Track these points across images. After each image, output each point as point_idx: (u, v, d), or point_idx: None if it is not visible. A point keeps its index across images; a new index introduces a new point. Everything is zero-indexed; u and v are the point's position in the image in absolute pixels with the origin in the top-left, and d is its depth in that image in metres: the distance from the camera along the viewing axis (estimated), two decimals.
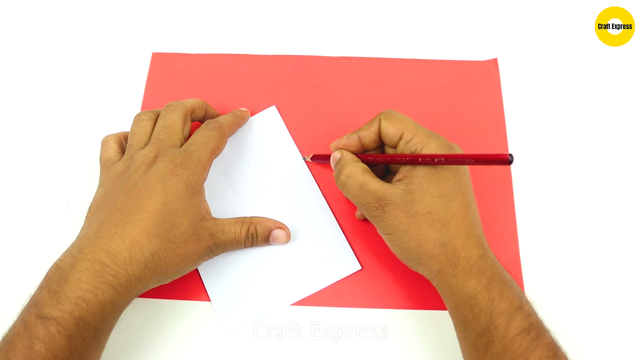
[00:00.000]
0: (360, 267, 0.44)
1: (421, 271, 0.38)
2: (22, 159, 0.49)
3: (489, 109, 0.51)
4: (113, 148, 0.44)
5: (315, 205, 0.47)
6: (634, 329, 0.43)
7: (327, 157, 0.44)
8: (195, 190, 0.39)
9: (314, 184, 0.48)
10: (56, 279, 0.34)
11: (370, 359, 0.41)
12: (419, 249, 0.37)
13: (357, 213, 0.46)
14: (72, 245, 0.37)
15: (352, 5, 0.57)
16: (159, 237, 0.37)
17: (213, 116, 0.48)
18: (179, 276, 0.40)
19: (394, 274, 0.44)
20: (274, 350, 0.42)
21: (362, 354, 0.42)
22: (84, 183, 0.48)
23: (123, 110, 0.51)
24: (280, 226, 0.44)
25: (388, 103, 0.51)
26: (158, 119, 0.43)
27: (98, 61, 0.54)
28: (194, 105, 0.45)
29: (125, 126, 0.50)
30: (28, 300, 0.35)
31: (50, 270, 0.35)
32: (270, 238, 0.44)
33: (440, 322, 0.42)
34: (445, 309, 0.42)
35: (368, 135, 0.41)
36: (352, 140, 0.41)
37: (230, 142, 0.49)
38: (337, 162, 0.41)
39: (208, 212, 0.41)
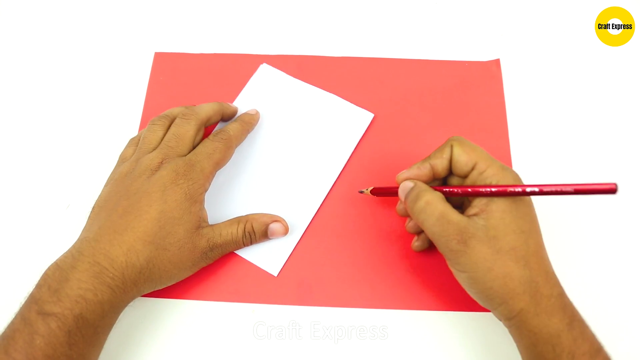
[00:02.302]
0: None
1: (500, 311, 0.35)
2: (23, 159, 0.49)
3: (491, 109, 0.50)
4: (132, 150, 0.44)
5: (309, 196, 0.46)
6: (635, 326, 0.41)
7: (391, 190, 0.42)
8: (194, 200, 0.39)
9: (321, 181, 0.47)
10: (56, 278, 0.34)
11: (370, 359, 0.40)
12: (504, 287, 0.34)
13: (408, 224, 0.42)
14: (73, 247, 0.37)
15: (355, 6, 0.56)
16: (154, 245, 0.37)
17: (231, 116, 0.48)
18: (173, 282, 0.40)
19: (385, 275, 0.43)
20: (274, 350, 0.41)
21: (362, 354, 0.40)
22: (84, 183, 0.47)
23: (125, 110, 0.50)
24: (276, 219, 0.43)
25: (390, 103, 0.50)
26: (172, 126, 0.43)
27: (100, 61, 0.53)
28: (209, 114, 0.45)
29: (128, 127, 0.50)
30: (26, 298, 0.35)
31: (49, 269, 0.35)
32: (269, 232, 0.43)
33: (440, 322, 0.41)
34: (445, 310, 0.42)
35: (441, 163, 0.38)
36: (423, 169, 0.38)
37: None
38: (411, 190, 0.37)
39: (205, 220, 0.41)
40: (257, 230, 0.42)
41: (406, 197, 0.38)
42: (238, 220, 0.42)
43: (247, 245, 0.43)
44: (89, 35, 0.55)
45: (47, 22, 0.55)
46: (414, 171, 0.38)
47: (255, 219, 0.43)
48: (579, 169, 0.47)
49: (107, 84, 0.52)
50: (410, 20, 0.55)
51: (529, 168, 0.47)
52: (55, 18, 0.56)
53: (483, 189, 0.35)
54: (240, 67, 0.52)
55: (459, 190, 0.36)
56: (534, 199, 0.38)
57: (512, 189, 0.34)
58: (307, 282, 0.43)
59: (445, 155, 0.37)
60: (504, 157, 0.48)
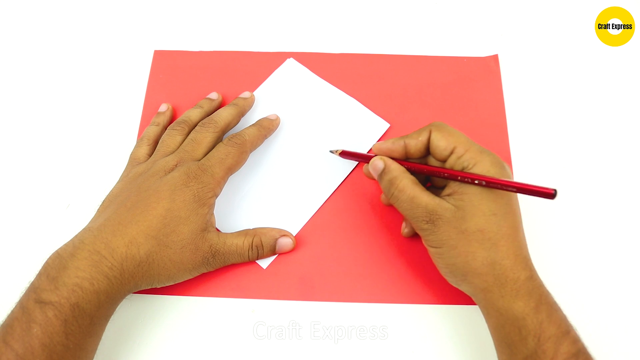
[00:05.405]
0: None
1: (463, 287, 0.36)
2: (23, 158, 0.48)
3: (490, 104, 0.49)
4: (144, 150, 0.44)
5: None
6: (635, 329, 0.41)
7: (358, 156, 0.43)
8: (202, 202, 0.39)
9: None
10: (55, 266, 0.34)
11: (370, 359, 0.40)
12: (465, 265, 0.35)
13: (383, 199, 0.44)
14: (76, 236, 0.37)
15: (354, 2, 0.55)
16: (157, 240, 0.37)
17: (250, 108, 0.48)
18: (171, 283, 0.39)
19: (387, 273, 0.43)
20: (274, 350, 0.40)
21: (362, 354, 0.40)
22: (84, 182, 0.46)
23: (125, 109, 0.49)
24: (285, 234, 0.43)
25: (389, 99, 0.49)
26: (191, 132, 0.43)
27: (100, 59, 0.52)
28: (228, 120, 0.44)
29: (128, 125, 0.49)
30: (27, 287, 0.35)
31: (50, 257, 0.35)
32: (277, 247, 0.43)
33: (439, 321, 0.41)
34: (445, 304, 0.41)
35: (415, 144, 0.38)
36: (397, 145, 0.39)
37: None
38: (384, 173, 0.39)
39: (212, 225, 0.41)
40: (265, 245, 0.42)
41: (379, 177, 0.39)
42: (246, 232, 0.42)
43: (254, 260, 0.42)
44: (89, 34, 0.54)
45: (46, 20, 0.54)
46: (388, 145, 0.39)
47: (264, 233, 0.42)
48: (578, 167, 0.47)
49: (106, 83, 0.51)
50: (409, 17, 0.54)
51: (527, 164, 0.47)
52: (55, 16, 0.54)
53: (438, 171, 0.37)
54: (240, 65, 0.51)
55: (416, 168, 0.38)
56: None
57: (462, 177, 0.35)
58: (309, 277, 0.43)
59: (422, 138, 0.38)
60: (503, 151, 0.47)
